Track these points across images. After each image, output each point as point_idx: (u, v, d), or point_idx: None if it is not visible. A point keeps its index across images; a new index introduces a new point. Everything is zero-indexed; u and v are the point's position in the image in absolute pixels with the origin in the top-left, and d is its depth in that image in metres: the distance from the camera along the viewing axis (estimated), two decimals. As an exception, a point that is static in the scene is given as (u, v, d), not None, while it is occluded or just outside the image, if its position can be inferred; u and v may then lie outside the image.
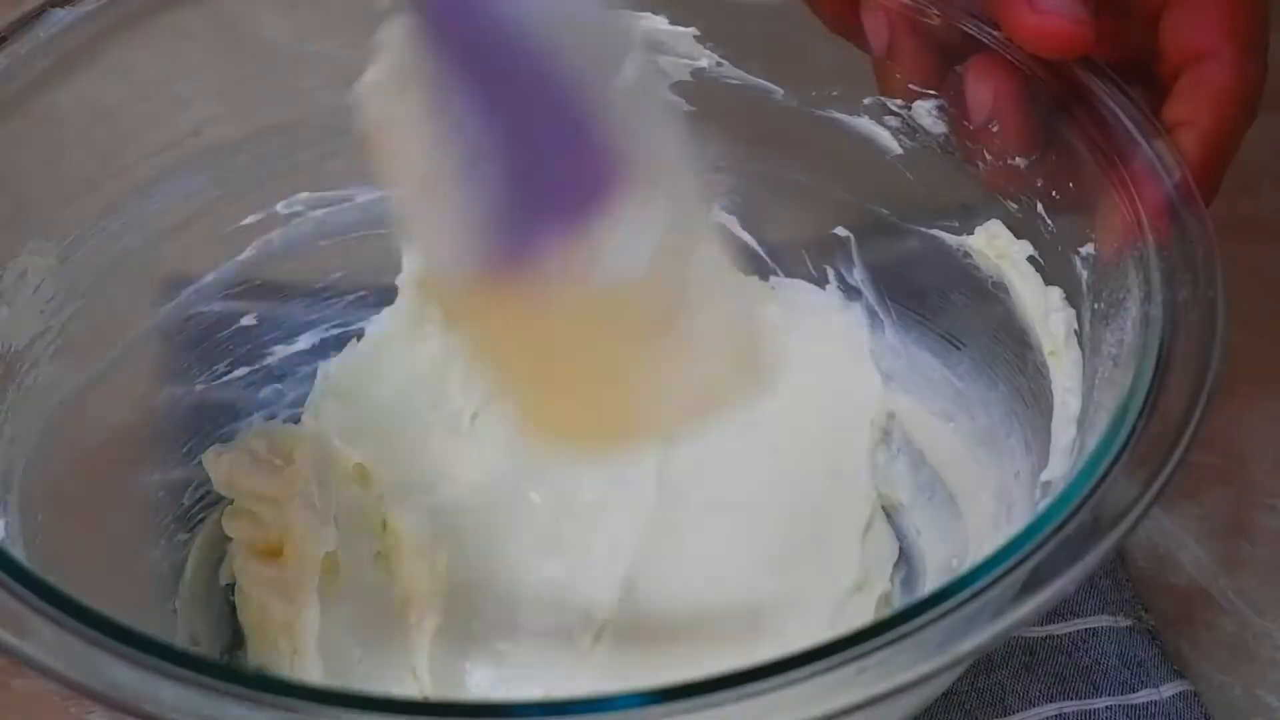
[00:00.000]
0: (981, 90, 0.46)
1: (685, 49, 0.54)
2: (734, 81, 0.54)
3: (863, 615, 0.49)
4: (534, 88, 0.36)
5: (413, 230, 0.39)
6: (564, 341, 0.39)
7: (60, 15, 0.47)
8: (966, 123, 0.48)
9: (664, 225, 0.37)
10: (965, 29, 0.47)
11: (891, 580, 0.51)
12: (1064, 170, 0.45)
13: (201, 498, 0.51)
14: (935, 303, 0.54)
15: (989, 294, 0.50)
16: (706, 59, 0.54)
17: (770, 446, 0.53)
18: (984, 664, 0.48)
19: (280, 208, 0.54)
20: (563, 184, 0.37)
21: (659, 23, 0.53)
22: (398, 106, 0.37)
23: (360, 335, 0.56)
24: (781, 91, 0.53)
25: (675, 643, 0.50)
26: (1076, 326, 0.45)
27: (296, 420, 0.54)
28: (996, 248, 0.49)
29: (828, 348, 0.55)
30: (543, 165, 0.37)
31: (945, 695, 0.46)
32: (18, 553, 0.40)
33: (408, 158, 0.38)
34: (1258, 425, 0.57)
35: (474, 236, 0.37)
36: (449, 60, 0.36)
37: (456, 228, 0.37)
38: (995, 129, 0.47)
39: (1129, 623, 0.50)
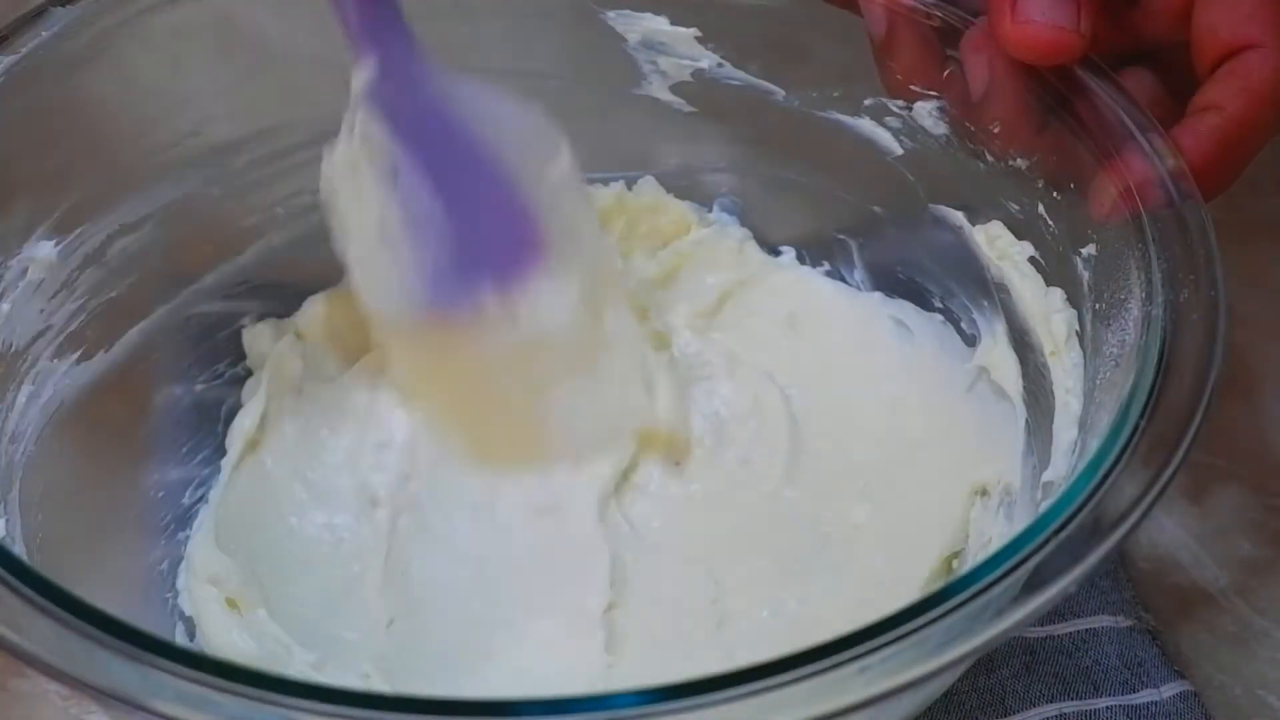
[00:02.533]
0: (978, 63, 0.46)
1: (686, 50, 0.54)
2: (734, 82, 0.54)
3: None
4: (474, 172, 0.45)
5: (364, 284, 0.47)
6: (495, 378, 0.47)
7: (61, 14, 0.47)
8: (967, 122, 0.48)
9: (580, 288, 0.46)
10: (961, 27, 0.47)
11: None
12: (1063, 168, 0.45)
13: (201, 498, 0.51)
14: (937, 304, 0.54)
15: (990, 295, 0.51)
16: (707, 60, 0.54)
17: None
18: (984, 664, 0.48)
19: (280, 208, 0.54)
20: (497, 248, 0.46)
21: (660, 23, 0.53)
22: (356, 179, 0.45)
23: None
24: (782, 93, 0.53)
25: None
26: (1078, 327, 0.45)
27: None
28: (997, 248, 0.49)
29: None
30: (479, 232, 0.46)
31: (945, 695, 0.46)
32: (17, 551, 0.40)
33: (363, 221, 0.45)
34: (1259, 425, 0.57)
35: (420, 289, 0.45)
36: (404, 144, 0.44)
37: (404, 282, 0.45)
38: (996, 128, 0.47)
39: (1129, 623, 0.49)
